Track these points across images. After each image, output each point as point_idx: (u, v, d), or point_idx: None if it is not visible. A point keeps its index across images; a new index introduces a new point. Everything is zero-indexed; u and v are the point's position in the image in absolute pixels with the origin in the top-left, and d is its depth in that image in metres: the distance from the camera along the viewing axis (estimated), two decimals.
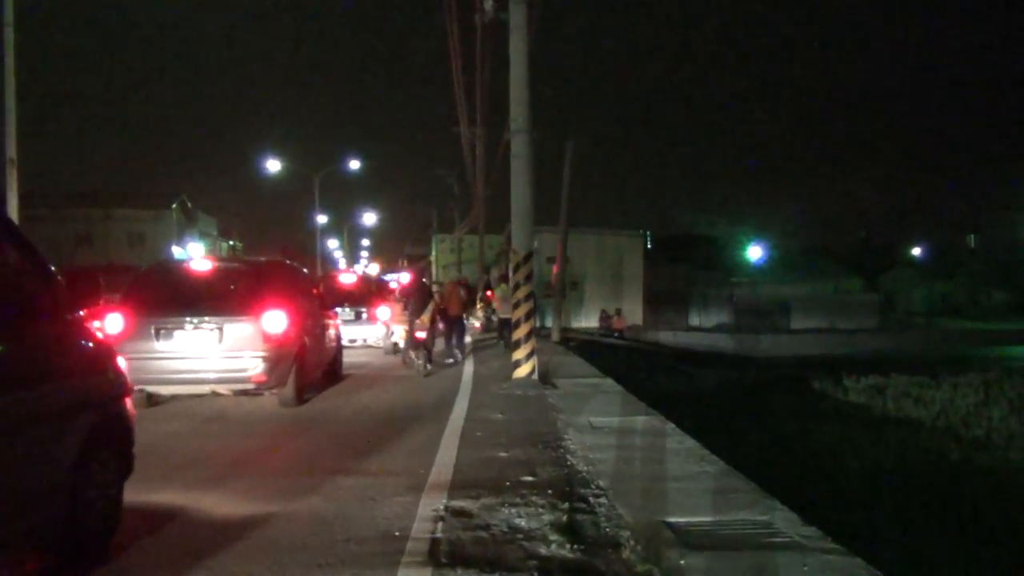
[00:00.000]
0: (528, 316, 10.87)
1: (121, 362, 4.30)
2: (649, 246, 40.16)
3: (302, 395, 9.06)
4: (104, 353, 4.18)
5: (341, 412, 8.70)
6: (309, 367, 9.37)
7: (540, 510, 4.58)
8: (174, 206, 53.81)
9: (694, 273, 44.13)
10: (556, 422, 7.78)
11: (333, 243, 72.56)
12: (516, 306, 10.89)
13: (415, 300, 13.50)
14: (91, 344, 4.05)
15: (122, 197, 52.51)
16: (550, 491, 4.99)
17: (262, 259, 12.53)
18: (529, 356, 10.80)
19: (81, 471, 3.61)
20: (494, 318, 19.85)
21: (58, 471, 3.45)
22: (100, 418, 3.87)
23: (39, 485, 3.34)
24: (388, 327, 15.66)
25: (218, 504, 4.81)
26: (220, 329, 8.20)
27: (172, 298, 8.56)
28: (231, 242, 71.32)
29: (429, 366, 12.75)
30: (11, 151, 12.36)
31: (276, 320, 8.40)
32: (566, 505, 4.68)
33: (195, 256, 55.64)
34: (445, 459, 5.96)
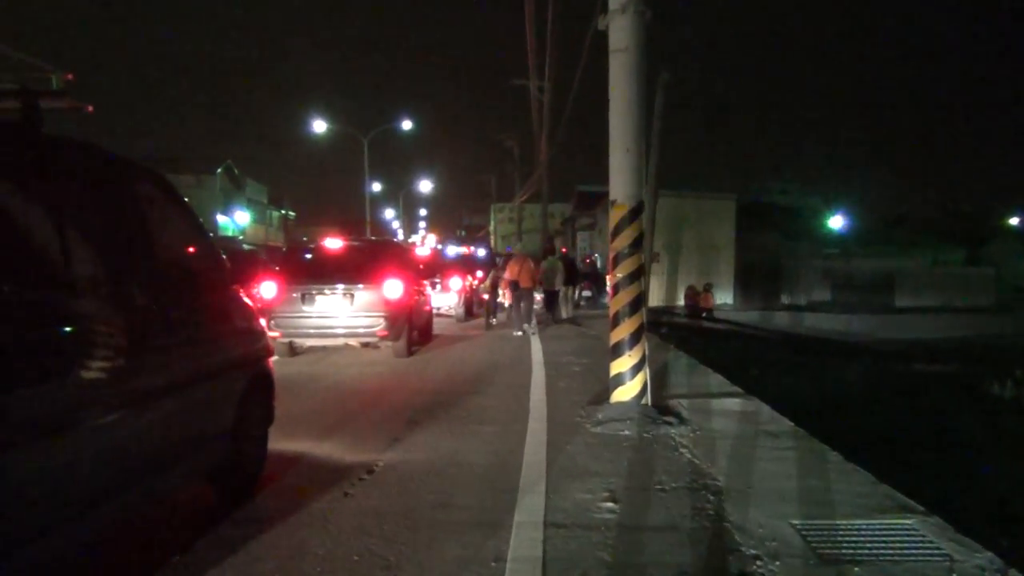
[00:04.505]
0: (635, 306, 6.90)
1: (264, 326, 4.91)
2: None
3: (411, 348, 11.05)
4: (256, 320, 4.74)
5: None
6: (415, 326, 11.55)
7: None
8: (219, 171, 51.06)
9: (784, 244, 38.96)
10: (731, 531, 3.87)
11: (390, 213, 69.25)
12: (616, 289, 6.95)
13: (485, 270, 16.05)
14: (248, 312, 4.64)
15: (163, 162, 49.94)
16: None
17: (379, 239, 15.11)
18: (637, 368, 6.81)
19: (240, 419, 4.21)
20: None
21: (225, 418, 4.08)
22: (254, 374, 4.48)
23: (214, 429, 3.96)
24: (460, 296, 17.52)
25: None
26: (351, 295, 10.31)
27: (313, 271, 10.72)
28: (283, 211, 68.76)
29: (493, 321, 15.87)
30: None
31: (394, 287, 10.41)
32: None
33: (242, 222, 53.05)
34: None
